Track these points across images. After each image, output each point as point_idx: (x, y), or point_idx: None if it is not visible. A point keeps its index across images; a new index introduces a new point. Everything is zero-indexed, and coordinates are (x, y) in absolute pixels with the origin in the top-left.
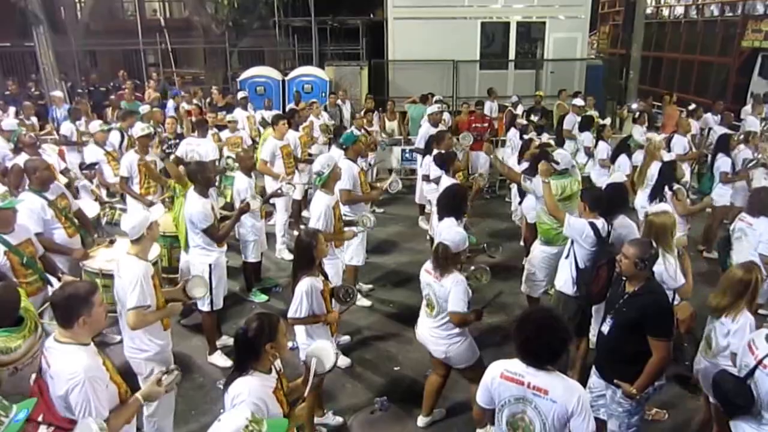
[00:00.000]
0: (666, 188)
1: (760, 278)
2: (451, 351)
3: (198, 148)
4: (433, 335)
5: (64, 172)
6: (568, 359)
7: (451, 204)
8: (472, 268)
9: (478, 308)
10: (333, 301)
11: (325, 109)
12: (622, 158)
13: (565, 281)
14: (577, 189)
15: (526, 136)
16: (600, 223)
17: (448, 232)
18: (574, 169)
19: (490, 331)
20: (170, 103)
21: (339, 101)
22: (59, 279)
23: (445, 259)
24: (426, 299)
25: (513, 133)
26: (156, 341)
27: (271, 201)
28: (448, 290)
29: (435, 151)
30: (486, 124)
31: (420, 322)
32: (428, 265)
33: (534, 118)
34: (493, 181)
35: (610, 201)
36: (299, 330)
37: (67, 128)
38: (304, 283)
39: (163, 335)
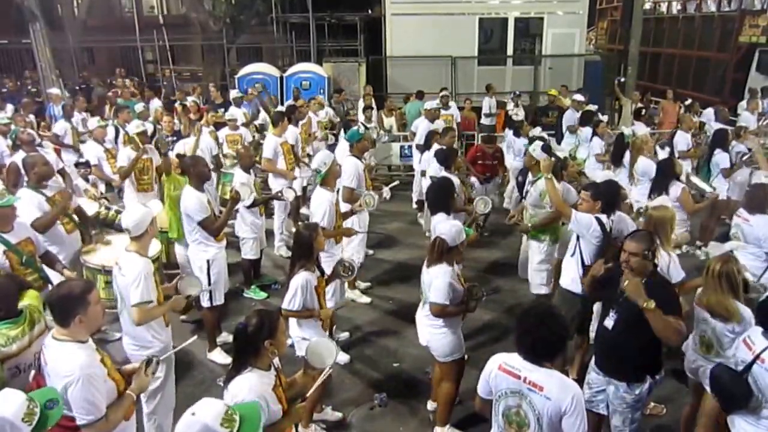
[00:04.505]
0: (673, 184)
1: (737, 268)
2: (432, 341)
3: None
4: (421, 322)
5: (61, 172)
6: (566, 356)
7: (438, 199)
8: (477, 198)
9: (472, 301)
10: (329, 286)
11: (330, 105)
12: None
13: (572, 279)
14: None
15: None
16: (605, 218)
17: (444, 225)
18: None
19: (485, 328)
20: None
21: (363, 97)
22: (61, 273)
23: (441, 253)
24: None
25: (509, 133)
26: (158, 337)
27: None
28: (431, 279)
29: (435, 147)
30: (495, 162)
31: (418, 309)
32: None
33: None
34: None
35: (608, 197)
36: (292, 324)
37: (61, 127)
38: (300, 277)
39: (165, 331)
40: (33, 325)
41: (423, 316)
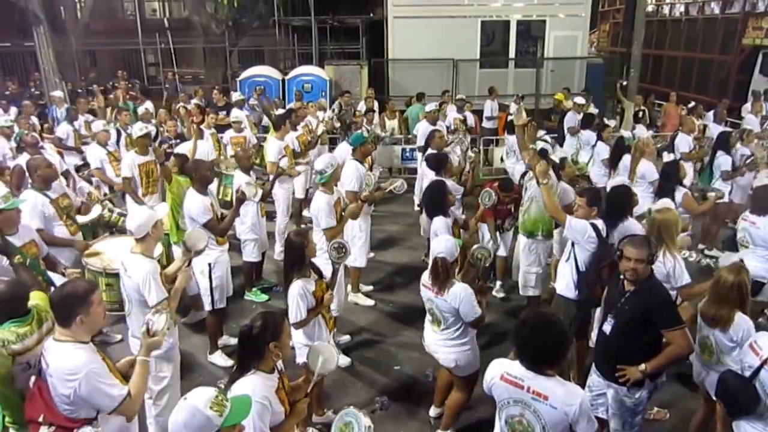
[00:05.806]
0: (677, 189)
1: (748, 278)
2: (461, 359)
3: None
4: (442, 345)
5: (65, 174)
6: (569, 360)
7: (434, 202)
8: (475, 246)
9: (482, 285)
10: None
11: (340, 107)
12: (628, 158)
13: (566, 285)
14: None
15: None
16: (600, 223)
17: (439, 243)
18: None
19: (485, 329)
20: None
21: (365, 100)
22: (63, 274)
23: (446, 272)
24: (429, 312)
25: (509, 137)
26: (166, 339)
27: (273, 197)
28: (456, 305)
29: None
30: (508, 206)
31: (426, 333)
32: (426, 278)
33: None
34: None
35: (615, 203)
36: (298, 330)
37: (63, 130)
38: (296, 287)
39: (172, 333)
40: (41, 323)
41: (442, 339)
